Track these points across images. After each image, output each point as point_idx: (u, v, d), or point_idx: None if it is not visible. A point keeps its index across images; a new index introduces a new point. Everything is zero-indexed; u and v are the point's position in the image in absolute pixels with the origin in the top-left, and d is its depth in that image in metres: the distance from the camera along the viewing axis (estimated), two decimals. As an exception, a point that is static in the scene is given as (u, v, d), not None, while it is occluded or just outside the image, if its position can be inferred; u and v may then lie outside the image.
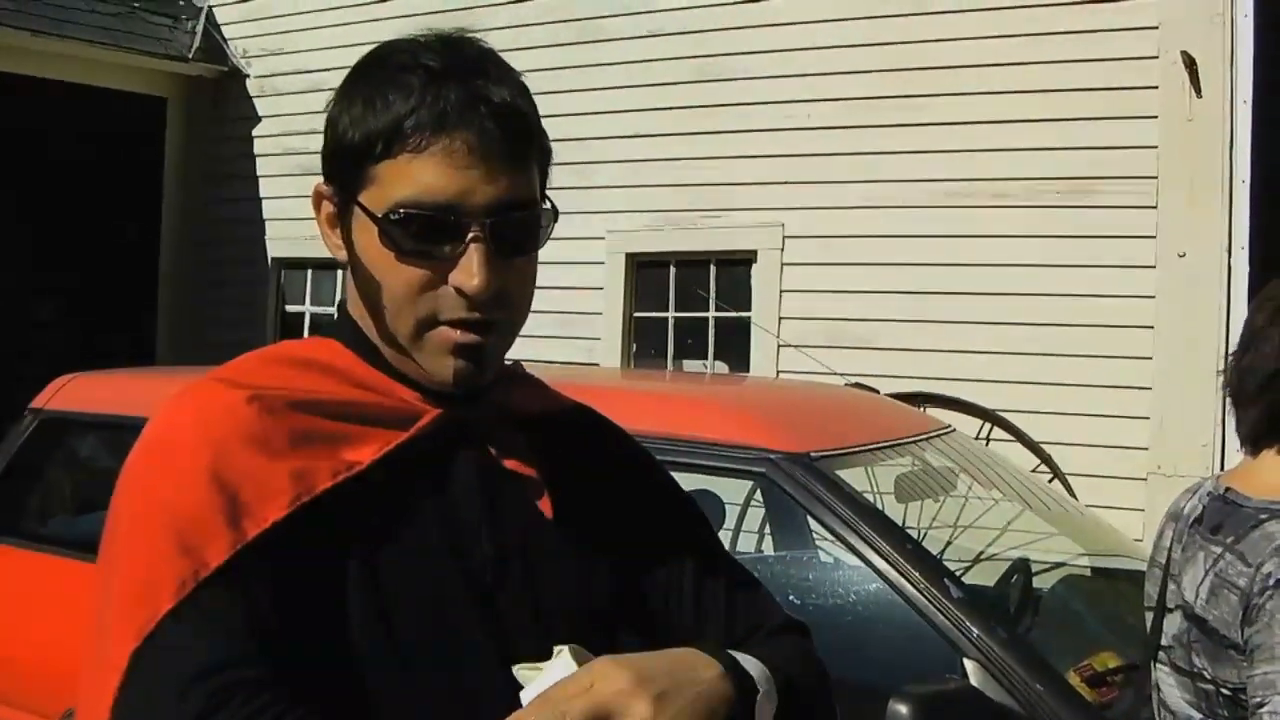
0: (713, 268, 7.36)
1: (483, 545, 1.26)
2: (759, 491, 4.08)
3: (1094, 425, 6.02)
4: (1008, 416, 5.53)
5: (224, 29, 9.58)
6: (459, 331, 1.21)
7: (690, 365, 7.48)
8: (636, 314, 7.64)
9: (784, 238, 7.04)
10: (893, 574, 2.89)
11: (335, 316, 1.35)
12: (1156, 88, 5.97)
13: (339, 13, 8.67)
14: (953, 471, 3.74)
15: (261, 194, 9.28)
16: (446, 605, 1.22)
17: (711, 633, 1.33)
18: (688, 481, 2.39)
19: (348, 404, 1.24)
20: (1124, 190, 6.06)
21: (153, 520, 1.13)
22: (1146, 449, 5.94)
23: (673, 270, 7.52)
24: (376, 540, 1.20)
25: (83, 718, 1.13)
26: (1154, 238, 5.98)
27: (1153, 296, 5.98)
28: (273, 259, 9.22)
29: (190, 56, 9.32)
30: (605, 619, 1.31)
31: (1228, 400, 2.23)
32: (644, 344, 7.64)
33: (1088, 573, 3.86)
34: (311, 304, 9.12)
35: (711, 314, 7.37)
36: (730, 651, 1.20)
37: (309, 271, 9.09)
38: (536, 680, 1.11)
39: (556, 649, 1.12)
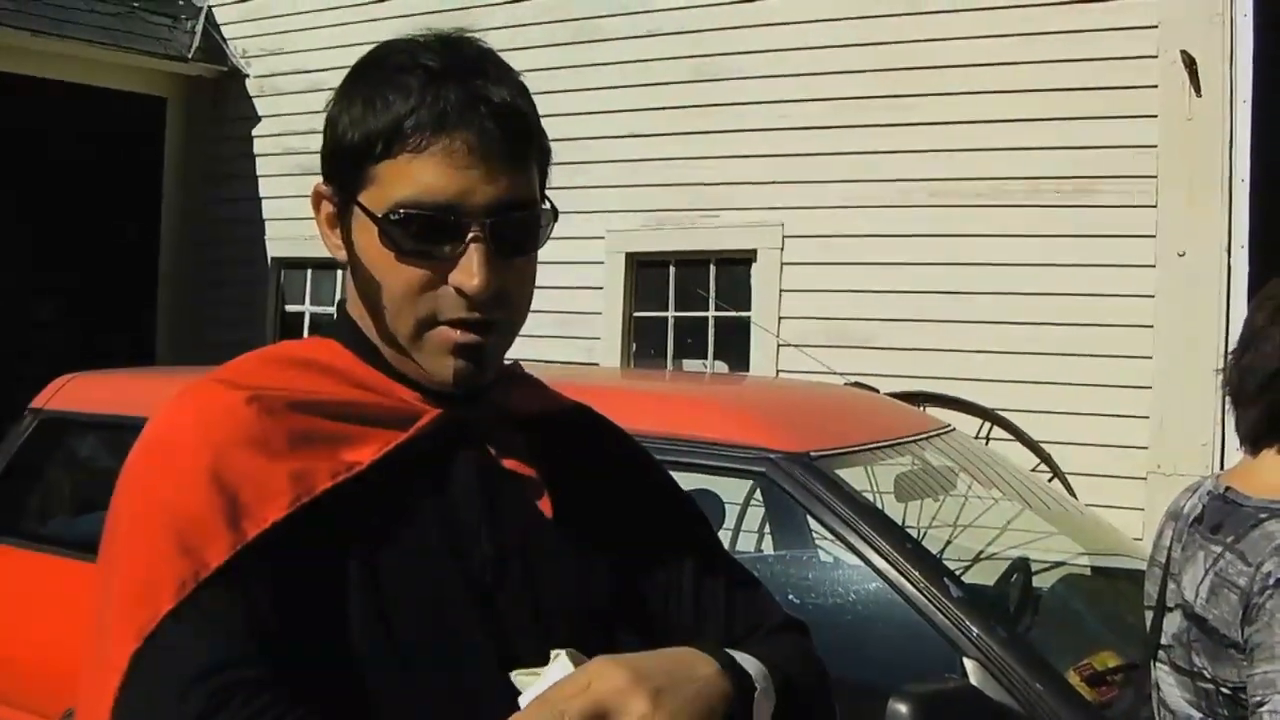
0: (712, 267, 7.37)
1: (482, 545, 1.25)
2: (759, 491, 4.08)
3: (1094, 424, 6.02)
4: (1007, 415, 5.54)
5: (223, 29, 9.58)
6: (459, 331, 1.21)
7: (690, 365, 7.48)
8: (636, 313, 7.65)
9: (783, 237, 7.04)
10: (892, 573, 2.89)
11: (334, 316, 1.35)
12: (1156, 87, 5.97)
13: (338, 13, 8.67)
14: (952, 471, 3.74)
15: (261, 194, 9.29)
16: (446, 605, 1.22)
17: (711, 632, 1.33)
18: (687, 481, 2.39)
19: (347, 404, 1.24)
20: (1124, 189, 6.06)
21: (153, 521, 1.13)
22: (1146, 448, 5.94)
23: (672, 270, 7.52)
24: (376, 541, 1.20)
25: (83, 718, 1.13)
26: (1154, 237, 5.98)
27: (1152, 296, 5.98)
28: (272, 259, 9.22)
29: (190, 56, 9.32)
30: (605, 619, 1.31)
31: (1227, 399, 2.23)
32: (644, 343, 7.64)
33: (1087, 572, 3.86)
34: (311, 304, 9.12)
35: (711, 313, 7.37)
36: (728, 650, 1.20)
37: (309, 271, 9.09)
38: (534, 685, 1.11)
39: (554, 653, 1.12)
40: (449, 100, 1.18)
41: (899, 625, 2.97)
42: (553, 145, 1.30)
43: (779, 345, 6.83)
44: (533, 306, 1.29)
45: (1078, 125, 6.17)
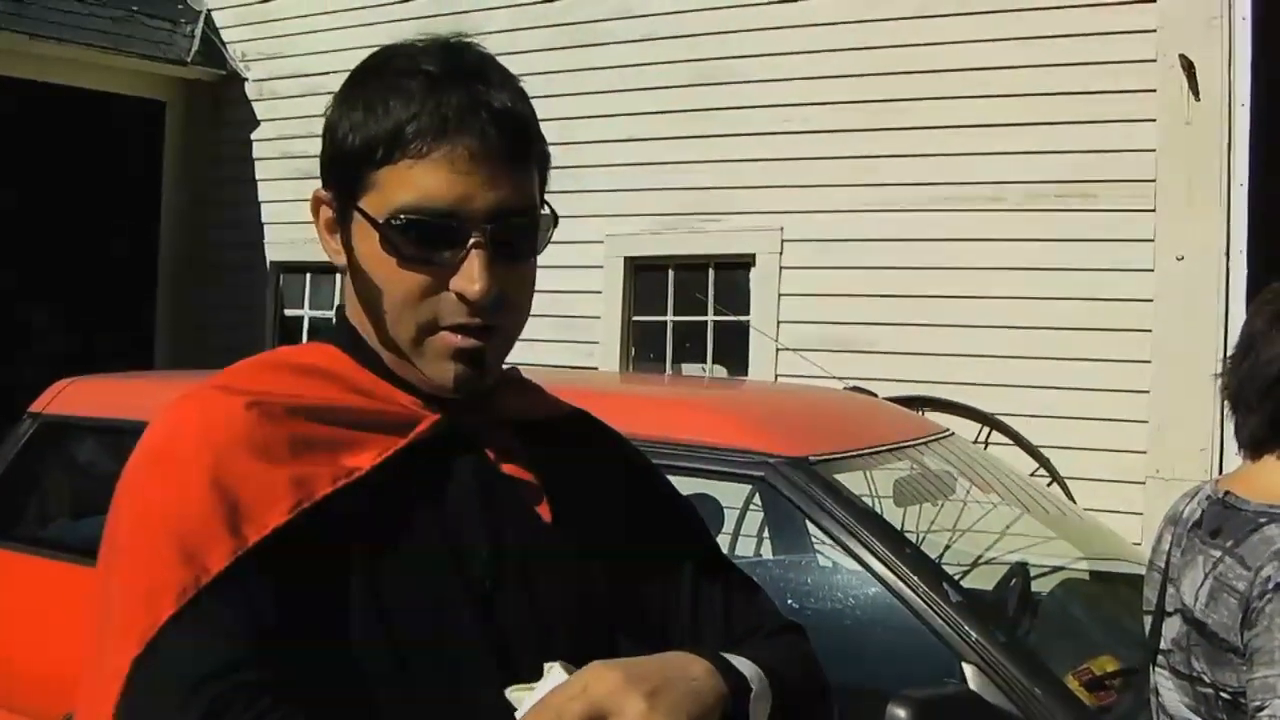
0: (711, 271, 7.37)
1: (481, 550, 1.26)
2: (758, 495, 4.08)
3: (1092, 429, 6.02)
4: (1006, 420, 5.53)
5: (223, 32, 9.58)
6: (460, 336, 1.22)
7: (689, 369, 7.48)
8: (635, 318, 7.65)
9: (782, 241, 7.05)
10: (891, 578, 2.88)
11: (333, 322, 1.35)
12: (1155, 91, 5.97)
13: (337, 16, 8.67)
14: (951, 475, 3.74)
15: (260, 197, 9.29)
16: (445, 610, 1.22)
17: (709, 636, 1.33)
18: (687, 485, 2.39)
19: (347, 410, 1.24)
20: (1122, 194, 6.06)
21: (153, 526, 1.13)
22: (1145, 452, 5.94)
23: (671, 274, 7.52)
24: (376, 545, 1.20)
25: (82, 723, 1.13)
26: (1152, 241, 5.99)
27: (1151, 300, 5.98)
28: (271, 262, 9.22)
29: (189, 60, 9.32)
30: (603, 623, 1.31)
31: (1226, 405, 2.23)
32: (643, 348, 7.64)
33: (1086, 576, 3.85)
34: (310, 308, 9.12)
35: (710, 318, 7.37)
36: (723, 654, 1.20)
37: (307, 275, 9.09)
38: (529, 699, 1.11)
39: (547, 666, 1.12)
40: (450, 106, 1.18)
41: (898, 630, 2.97)
42: (553, 150, 1.30)
43: (778, 349, 6.83)
44: (532, 311, 1.29)
45: (1076, 129, 6.18)
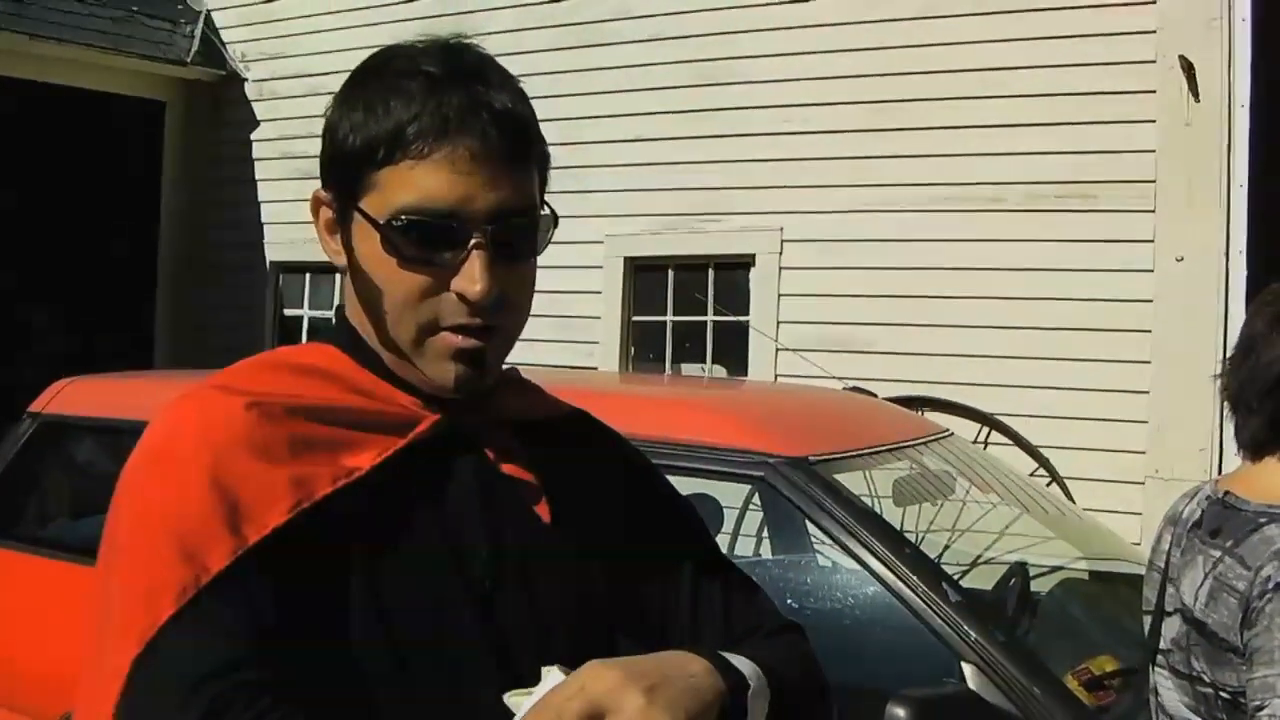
0: (711, 272, 7.37)
1: (481, 550, 1.26)
2: (757, 495, 4.09)
3: (1092, 429, 6.02)
4: (1005, 420, 5.53)
5: (222, 33, 9.58)
6: (460, 337, 1.22)
7: (689, 369, 7.48)
8: (635, 318, 7.65)
9: (782, 242, 7.05)
10: (891, 578, 2.88)
11: (333, 322, 1.35)
12: (1154, 92, 5.97)
13: (337, 17, 8.67)
14: (950, 475, 3.74)
15: (260, 197, 9.29)
16: (445, 610, 1.22)
17: (709, 636, 1.33)
18: (686, 485, 2.39)
19: (346, 410, 1.24)
20: (1122, 194, 6.07)
21: (153, 526, 1.13)
22: (1144, 453, 5.94)
23: (671, 274, 7.52)
24: (376, 546, 1.20)
25: (82, 723, 1.13)
26: (1152, 242, 5.99)
27: (1150, 300, 5.98)
28: (271, 262, 9.22)
29: (189, 60, 9.32)
30: (603, 623, 1.32)
31: (1225, 405, 2.23)
32: (642, 348, 7.64)
33: (1085, 576, 3.86)
34: (310, 308, 9.12)
35: (710, 318, 7.37)
36: (721, 653, 1.20)
37: (307, 275, 9.09)
38: (527, 703, 1.11)
39: (544, 670, 1.13)
40: (451, 106, 1.18)
41: (897, 629, 2.97)
42: (554, 150, 1.31)
43: (777, 350, 6.83)
44: (532, 311, 1.29)
45: (1076, 130, 6.18)
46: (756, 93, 7.08)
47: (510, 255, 1.22)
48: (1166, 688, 2.18)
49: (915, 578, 2.85)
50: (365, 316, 1.27)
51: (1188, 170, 5.87)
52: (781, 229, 7.04)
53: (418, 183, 1.18)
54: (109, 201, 9.30)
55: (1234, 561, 2.04)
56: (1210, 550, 2.10)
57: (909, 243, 6.59)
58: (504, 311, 1.23)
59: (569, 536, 1.31)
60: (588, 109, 7.46)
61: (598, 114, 7.51)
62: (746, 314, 7.16)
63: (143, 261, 9.54)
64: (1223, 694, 2.03)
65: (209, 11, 9.59)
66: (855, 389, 4.90)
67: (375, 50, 1.29)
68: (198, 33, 9.44)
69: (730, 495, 4.00)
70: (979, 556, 3.66)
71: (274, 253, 9.19)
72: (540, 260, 1.28)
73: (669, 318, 7.53)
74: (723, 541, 4.06)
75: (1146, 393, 5.96)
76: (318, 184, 1.28)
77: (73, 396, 4.17)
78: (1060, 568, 3.71)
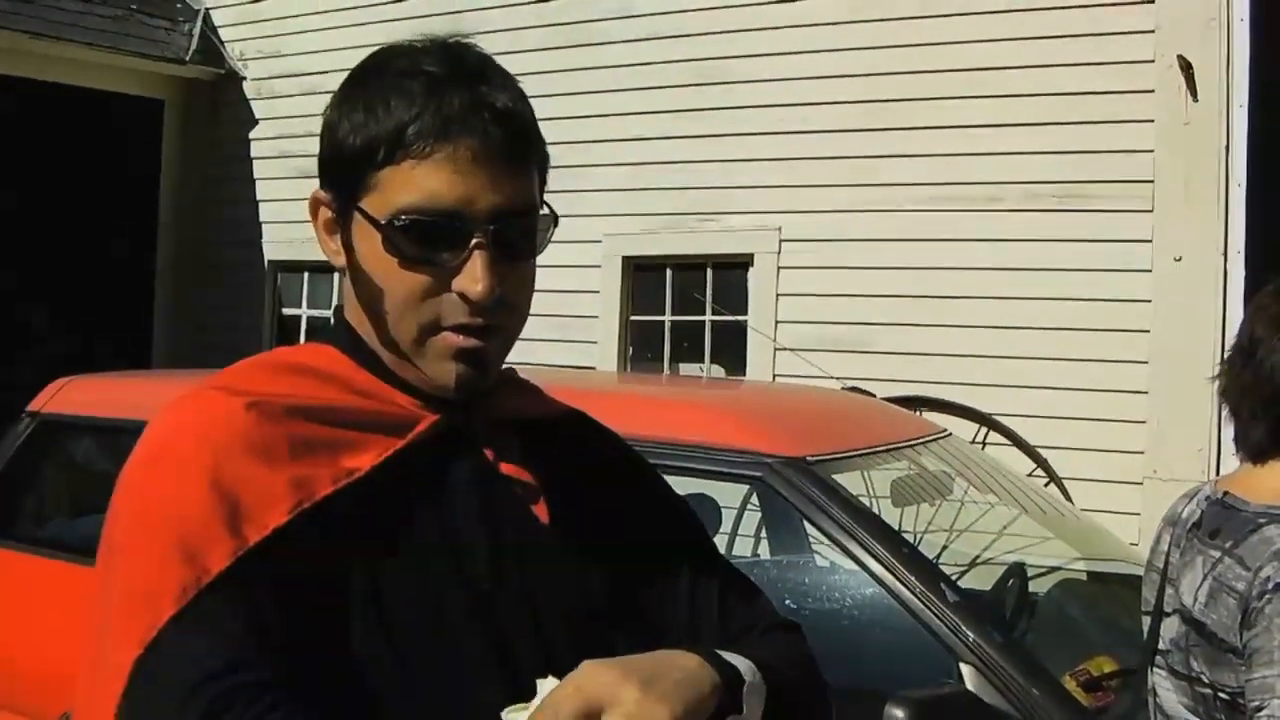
0: (709, 271, 7.37)
1: (480, 549, 1.26)
2: (755, 496, 4.09)
3: (1090, 429, 6.02)
4: (1003, 420, 5.54)
5: (221, 31, 9.58)
6: (461, 337, 1.22)
7: (687, 369, 7.48)
8: (633, 317, 7.65)
9: (780, 241, 7.04)
10: (889, 578, 2.88)
11: (332, 322, 1.35)
12: (1153, 91, 5.97)
13: (335, 15, 8.67)
14: (949, 476, 3.74)
15: (258, 196, 9.29)
16: (445, 610, 1.22)
17: (706, 635, 1.33)
18: (684, 485, 2.39)
19: (346, 410, 1.24)
20: (1120, 194, 6.07)
21: (153, 526, 1.13)
22: (1142, 453, 5.94)
23: (669, 274, 7.52)
24: (376, 546, 1.20)
25: (81, 723, 1.13)
26: (1150, 242, 5.99)
27: (1149, 301, 5.98)
28: (269, 262, 9.22)
29: (187, 59, 9.32)
30: (601, 623, 1.32)
31: (1223, 406, 2.23)
32: (640, 348, 7.64)
33: (1083, 577, 3.86)
34: (308, 307, 9.12)
35: (708, 317, 7.37)
36: (717, 650, 1.20)
37: (305, 274, 9.09)
38: (523, 716, 1.11)
39: (540, 682, 1.13)
40: (452, 106, 1.18)
41: (895, 630, 2.97)
42: (552, 149, 1.31)
43: (776, 349, 6.83)
44: (530, 311, 1.29)
45: (1074, 130, 6.18)
46: (756, 92, 7.08)
47: (511, 255, 1.22)
48: (1165, 688, 2.18)
49: (913, 578, 2.85)
50: (365, 316, 1.27)
51: (1186, 170, 5.87)
52: (780, 229, 7.04)
53: (419, 182, 1.18)
54: (108, 201, 9.30)
55: (1233, 562, 2.04)
56: (1209, 551, 2.10)
57: (908, 242, 6.59)
58: (505, 311, 1.23)
59: (568, 536, 1.31)
60: (583, 109, 7.45)
61: (593, 113, 7.50)
62: (745, 314, 7.16)
63: (142, 261, 9.54)
64: (1221, 694, 2.03)
65: (207, 10, 9.59)
66: (853, 389, 4.90)
67: (374, 49, 1.29)
68: (196, 31, 9.43)
69: (728, 495, 4.00)
70: (977, 557, 3.66)
71: (272, 252, 9.19)
72: (538, 260, 1.28)
73: (667, 317, 7.53)
74: (721, 542, 4.06)
75: (1145, 393, 5.96)
76: (316, 183, 1.28)
77: (71, 396, 4.16)
78: (1058, 568, 3.71)
